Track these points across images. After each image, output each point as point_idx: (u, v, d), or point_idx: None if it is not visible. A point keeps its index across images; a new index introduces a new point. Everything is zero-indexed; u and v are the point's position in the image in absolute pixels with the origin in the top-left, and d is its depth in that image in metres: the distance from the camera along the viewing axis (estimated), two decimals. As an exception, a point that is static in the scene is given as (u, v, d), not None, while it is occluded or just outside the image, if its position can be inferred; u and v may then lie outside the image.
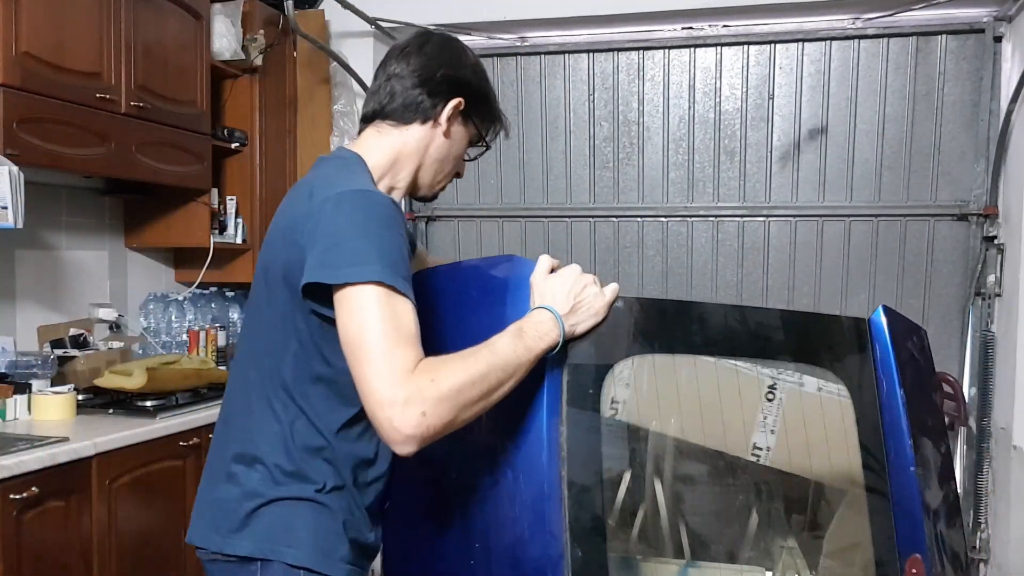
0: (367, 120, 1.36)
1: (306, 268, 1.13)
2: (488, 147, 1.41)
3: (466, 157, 1.40)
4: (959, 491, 3.23)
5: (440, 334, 1.21)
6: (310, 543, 1.21)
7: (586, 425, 1.16)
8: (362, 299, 1.08)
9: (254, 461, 1.23)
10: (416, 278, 1.20)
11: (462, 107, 1.32)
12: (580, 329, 1.19)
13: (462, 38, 1.43)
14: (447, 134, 1.33)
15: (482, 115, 1.36)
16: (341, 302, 1.10)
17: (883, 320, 1.23)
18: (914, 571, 1.14)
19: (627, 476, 1.36)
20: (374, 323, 1.07)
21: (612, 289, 1.23)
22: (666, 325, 1.23)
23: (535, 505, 1.11)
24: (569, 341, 1.19)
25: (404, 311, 1.09)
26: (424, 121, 1.32)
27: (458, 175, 1.42)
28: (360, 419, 1.20)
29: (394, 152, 1.33)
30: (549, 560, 1.09)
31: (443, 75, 1.32)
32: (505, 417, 1.18)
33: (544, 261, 1.24)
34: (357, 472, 1.24)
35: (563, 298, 1.18)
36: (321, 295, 1.14)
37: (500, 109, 1.41)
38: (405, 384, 1.04)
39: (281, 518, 1.21)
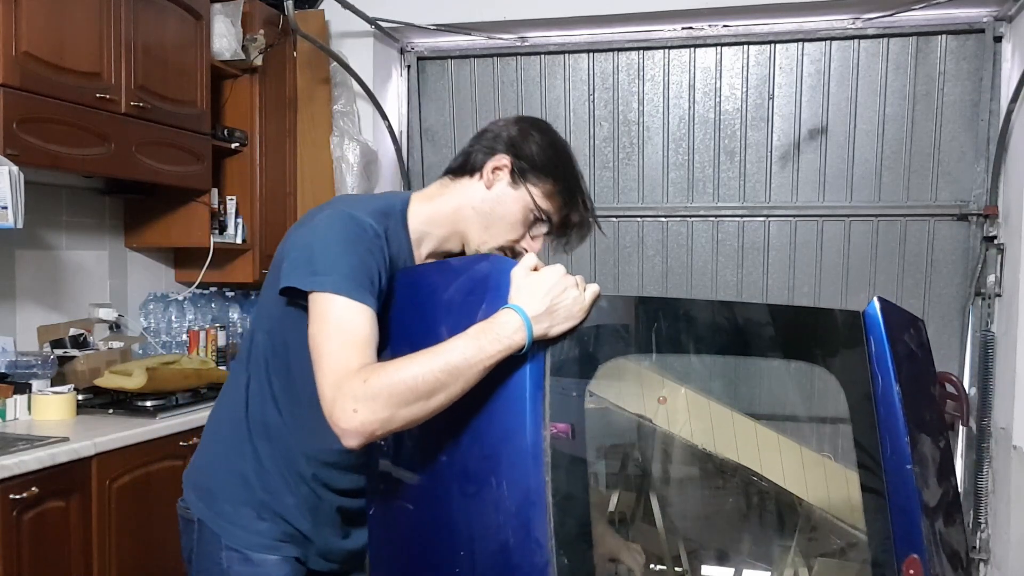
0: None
1: (282, 273, 1.26)
2: (551, 224, 1.36)
3: (532, 233, 1.36)
4: (961, 489, 3.23)
5: (422, 334, 1.20)
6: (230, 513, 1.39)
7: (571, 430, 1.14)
8: (324, 307, 1.19)
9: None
10: (400, 277, 1.29)
11: (508, 165, 1.33)
12: (555, 331, 1.16)
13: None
14: (489, 186, 1.34)
15: (534, 180, 1.33)
16: (310, 307, 1.21)
17: (878, 312, 1.18)
18: (911, 572, 1.11)
19: (618, 479, 1.34)
20: (329, 330, 1.18)
21: (592, 291, 1.19)
22: (653, 324, 1.20)
23: (520, 512, 1.08)
24: (545, 343, 1.16)
25: (358, 320, 1.18)
26: (472, 174, 1.36)
27: (513, 251, 1.36)
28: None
29: (441, 199, 1.38)
30: (535, 568, 1.06)
31: (500, 135, 1.37)
32: (488, 423, 1.16)
33: (529, 258, 1.22)
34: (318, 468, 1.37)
35: (539, 298, 1.16)
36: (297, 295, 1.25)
37: (574, 195, 1.36)
38: (341, 384, 1.13)
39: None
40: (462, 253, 1.40)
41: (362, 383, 1.12)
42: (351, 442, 1.13)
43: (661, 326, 1.20)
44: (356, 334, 1.17)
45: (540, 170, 1.34)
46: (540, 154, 1.35)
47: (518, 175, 1.34)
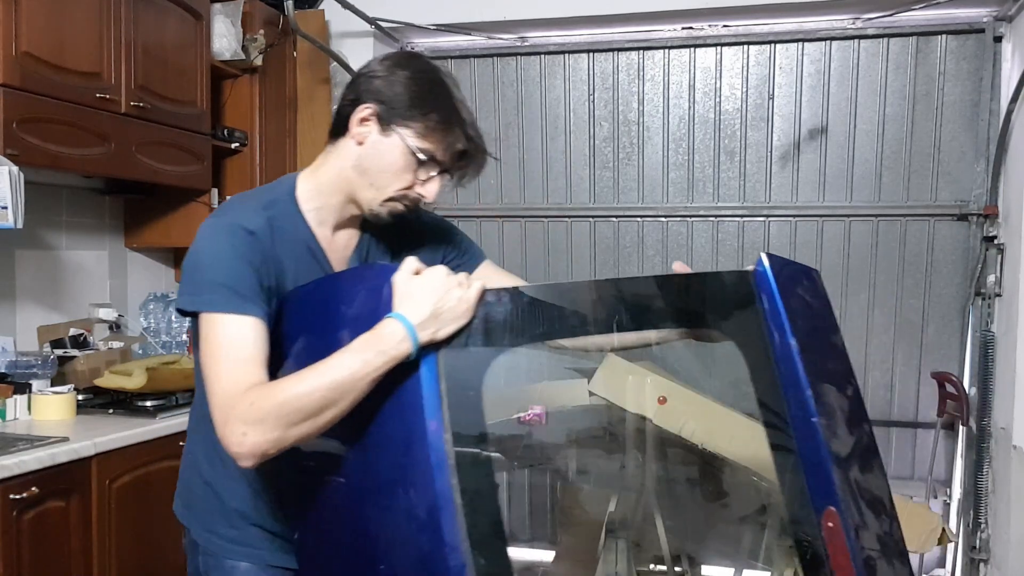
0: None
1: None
2: (438, 163, 1.29)
3: (421, 176, 1.29)
4: (960, 491, 3.23)
5: (315, 351, 1.18)
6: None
7: (471, 428, 1.11)
8: (207, 327, 1.20)
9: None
10: (290, 296, 1.27)
11: (373, 112, 1.26)
12: (442, 334, 1.13)
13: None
14: (360, 141, 1.28)
15: (404, 121, 1.26)
16: (199, 327, 1.23)
17: (768, 269, 1.15)
18: (830, 524, 1.08)
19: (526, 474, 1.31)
20: (213, 350, 1.18)
21: (476, 288, 1.15)
22: (542, 312, 1.17)
23: (431, 518, 1.07)
24: (436, 345, 1.14)
25: (241, 335, 1.18)
26: (345, 133, 1.30)
27: (413, 200, 1.31)
28: None
29: (322, 169, 1.34)
30: (452, 572, 1.05)
31: (363, 83, 1.29)
32: (390, 433, 1.15)
33: (410, 262, 1.18)
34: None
35: (423, 303, 1.12)
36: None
37: (452, 125, 1.28)
38: (230, 407, 1.14)
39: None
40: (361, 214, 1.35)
41: (249, 406, 1.12)
42: (245, 463, 1.14)
43: (551, 312, 1.17)
44: (241, 351, 1.17)
45: (409, 109, 1.26)
46: (406, 92, 1.26)
47: (385, 121, 1.26)
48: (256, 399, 1.12)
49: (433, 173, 1.30)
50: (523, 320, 1.16)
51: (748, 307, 1.16)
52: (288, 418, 1.11)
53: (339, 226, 1.36)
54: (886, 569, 1.14)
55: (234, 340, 1.18)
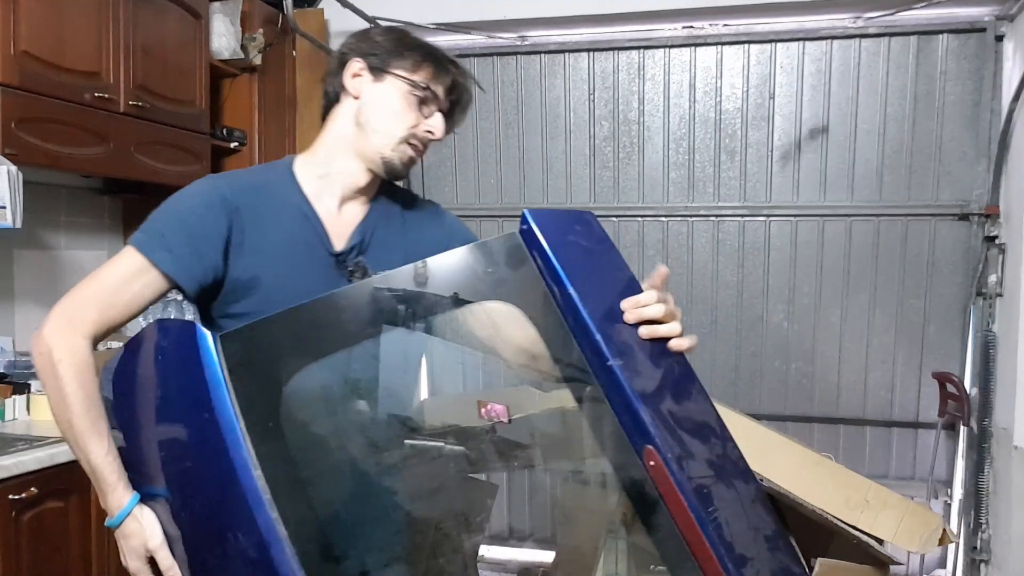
0: None
1: None
2: (436, 97, 1.32)
3: (425, 113, 1.32)
4: (961, 491, 3.22)
5: (135, 415, 1.24)
6: None
7: (278, 458, 1.11)
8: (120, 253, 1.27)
9: None
10: (110, 375, 1.27)
11: (362, 64, 1.31)
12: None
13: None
14: (357, 95, 1.32)
15: (394, 63, 1.31)
16: None
17: (533, 226, 1.10)
18: (652, 463, 1.04)
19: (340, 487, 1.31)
20: (100, 270, 1.25)
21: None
22: (300, 337, 1.17)
23: (263, 557, 1.07)
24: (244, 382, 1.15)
25: (122, 266, 1.24)
26: (338, 100, 1.35)
27: (422, 141, 1.33)
28: None
29: (320, 140, 1.37)
30: None
31: (341, 52, 1.35)
32: (201, 485, 1.16)
33: None
34: None
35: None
36: None
37: (436, 56, 1.33)
38: (56, 313, 1.22)
39: None
40: (377, 182, 1.37)
41: (59, 322, 1.21)
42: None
43: (311, 337, 1.18)
44: (109, 290, 1.23)
45: (394, 52, 1.32)
46: (386, 39, 1.33)
47: (376, 69, 1.31)
48: (62, 349, 1.19)
49: (433, 108, 1.33)
50: (291, 347, 1.17)
51: (522, 268, 1.12)
52: (47, 383, 1.22)
53: (345, 199, 1.36)
54: (724, 492, 1.10)
55: (117, 276, 1.24)
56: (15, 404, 2.46)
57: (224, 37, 3.12)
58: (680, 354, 1.12)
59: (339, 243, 1.34)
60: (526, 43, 3.66)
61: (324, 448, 1.27)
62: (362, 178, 1.35)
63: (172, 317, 3.28)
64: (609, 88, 3.61)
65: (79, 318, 1.21)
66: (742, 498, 1.12)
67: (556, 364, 1.18)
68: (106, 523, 1.24)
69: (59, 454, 2.12)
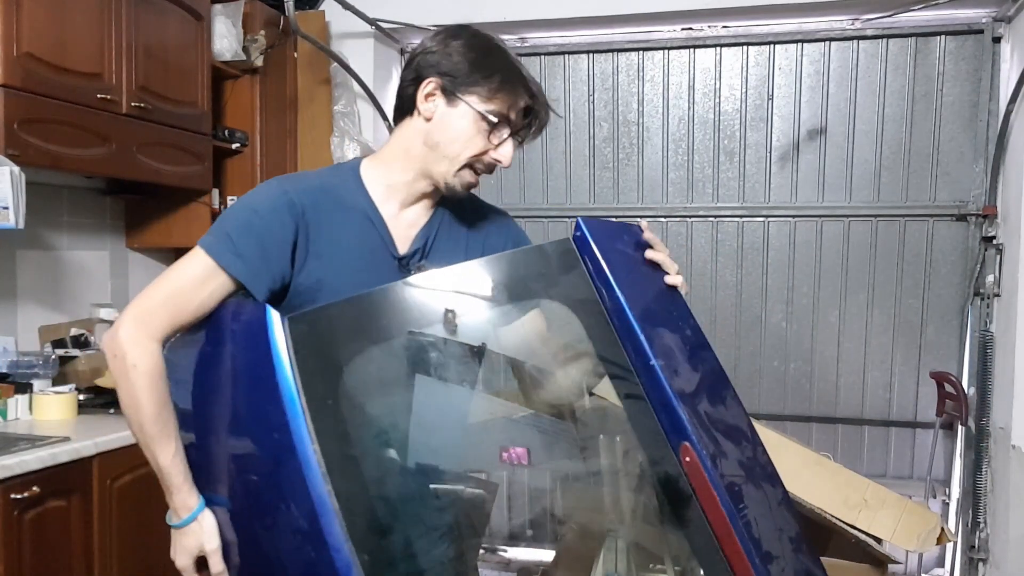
0: None
1: None
2: (509, 123, 1.30)
3: (494, 140, 1.31)
4: (959, 490, 3.23)
5: (203, 399, 1.26)
6: None
7: (334, 435, 1.16)
8: (188, 255, 1.28)
9: None
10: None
11: (437, 85, 1.29)
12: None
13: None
14: (429, 116, 1.30)
15: (469, 88, 1.29)
16: None
17: (586, 232, 1.20)
18: (688, 459, 1.11)
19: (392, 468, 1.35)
20: (169, 272, 1.26)
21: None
22: (361, 323, 1.23)
23: (313, 527, 1.11)
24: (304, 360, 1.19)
25: (192, 270, 1.24)
26: (411, 112, 1.33)
27: (488, 166, 1.33)
28: None
29: (388, 148, 1.37)
30: (340, 573, 1.10)
31: (421, 60, 1.32)
32: (259, 455, 1.20)
33: None
34: None
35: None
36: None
37: (515, 85, 1.31)
38: (130, 315, 1.23)
39: None
40: (436, 192, 1.37)
41: (116, 357, 1.21)
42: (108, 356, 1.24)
43: (381, 319, 1.25)
44: (182, 292, 1.23)
45: (471, 75, 1.29)
46: (464, 60, 1.30)
47: (450, 92, 1.29)
48: (136, 355, 1.20)
49: (504, 135, 1.31)
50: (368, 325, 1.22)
51: (574, 271, 1.21)
52: (120, 386, 1.23)
53: (408, 203, 1.37)
54: (754, 493, 1.17)
55: (188, 279, 1.24)
56: (17, 404, 2.47)
57: (226, 39, 3.13)
58: (716, 360, 1.21)
59: (403, 247, 1.36)
60: (526, 45, 3.68)
61: (377, 428, 1.31)
62: (428, 189, 1.37)
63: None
64: (608, 89, 3.62)
65: (152, 322, 1.22)
66: (769, 499, 1.20)
67: (601, 361, 1.24)
68: (169, 522, 1.26)
69: (61, 453, 2.13)
